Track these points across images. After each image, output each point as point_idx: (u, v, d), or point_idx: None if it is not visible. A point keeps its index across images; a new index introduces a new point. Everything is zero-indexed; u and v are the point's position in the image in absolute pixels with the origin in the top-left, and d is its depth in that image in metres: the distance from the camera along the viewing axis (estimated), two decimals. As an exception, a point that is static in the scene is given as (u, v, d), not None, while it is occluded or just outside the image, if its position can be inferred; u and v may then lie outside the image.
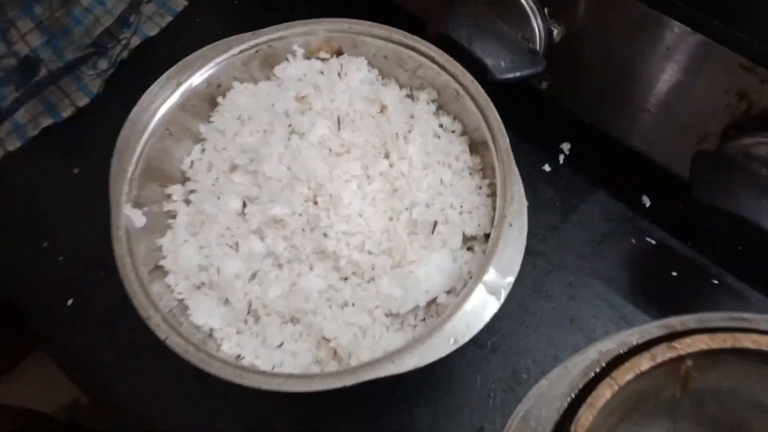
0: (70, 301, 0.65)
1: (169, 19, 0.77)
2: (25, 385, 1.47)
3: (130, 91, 0.75)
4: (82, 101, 0.73)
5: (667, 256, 0.61)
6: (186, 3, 0.78)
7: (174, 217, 0.55)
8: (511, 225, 0.47)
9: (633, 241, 0.62)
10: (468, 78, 0.52)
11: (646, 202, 0.63)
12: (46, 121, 0.72)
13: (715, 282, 0.60)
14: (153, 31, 0.76)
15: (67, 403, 1.43)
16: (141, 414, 0.59)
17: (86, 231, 0.68)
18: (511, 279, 0.46)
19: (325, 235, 0.50)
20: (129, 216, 0.50)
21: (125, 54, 0.75)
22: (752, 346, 0.36)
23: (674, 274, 0.60)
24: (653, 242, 0.62)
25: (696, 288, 0.60)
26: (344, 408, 0.57)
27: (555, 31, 0.57)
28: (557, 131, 0.67)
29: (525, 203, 0.48)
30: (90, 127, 0.73)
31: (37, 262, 0.67)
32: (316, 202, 0.50)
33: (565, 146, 0.66)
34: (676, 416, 0.44)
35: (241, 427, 0.57)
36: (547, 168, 0.65)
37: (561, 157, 0.66)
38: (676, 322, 0.43)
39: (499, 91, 0.55)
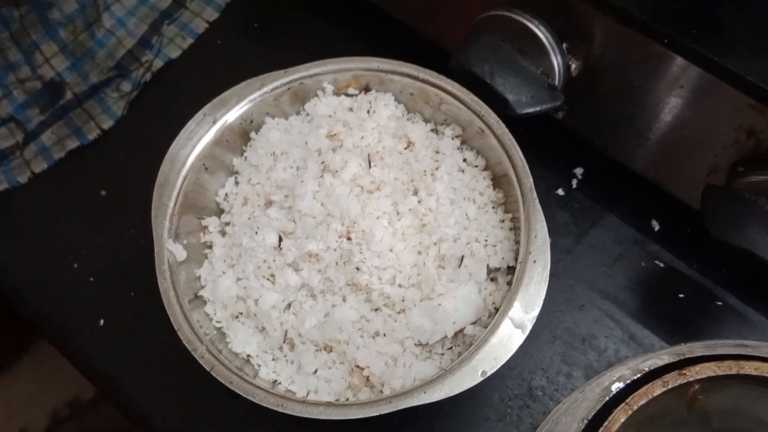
0: (101, 321, 0.67)
1: (190, 41, 0.78)
2: (26, 380, 1.48)
3: (154, 112, 0.78)
4: (107, 123, 0.75)
5: (674, 278, 0.65)
6: (207, 25, 0.79)
7: (210, 247, 0.57)
8: (535, 261, 0.50)
9: (643, 263, 0.65)
10: (493, 117, 0.54)
11: (656, 226, 0.66)
12: (73, 144, 0.74)
13: (719, 303, 0.63)
14: (175, 53, 0.77)
15: (70, 399, 1.44)
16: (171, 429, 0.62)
17: (115, 252, 0.70)
18: (535, 313, 0.49)
19: (357, 269, 0.52)
20: (171, 251, 0.53)
21: (148, 77, 0.76)
22: (754, 373, 0.40)
23: (681, 295, 0.64)
24: (662, 265, 0.65)
25: (701, 309, 0.64)
26: (364, 421, 0.60)
27: (573, 66, 0.60)
28: (571, 156, 0.69)
29: (548, 240, 0.51)
30: (115, 148, 0.75)
31: (68, 282, 0.69)
32: (349, 238, 0.53)
33: (578, 171, 0.69)
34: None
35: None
36: (560, 192, 0.68)
37: (574, 182, 0.69)
38: (685, 348, 0.46)
39: (515, 119, 0.57)
